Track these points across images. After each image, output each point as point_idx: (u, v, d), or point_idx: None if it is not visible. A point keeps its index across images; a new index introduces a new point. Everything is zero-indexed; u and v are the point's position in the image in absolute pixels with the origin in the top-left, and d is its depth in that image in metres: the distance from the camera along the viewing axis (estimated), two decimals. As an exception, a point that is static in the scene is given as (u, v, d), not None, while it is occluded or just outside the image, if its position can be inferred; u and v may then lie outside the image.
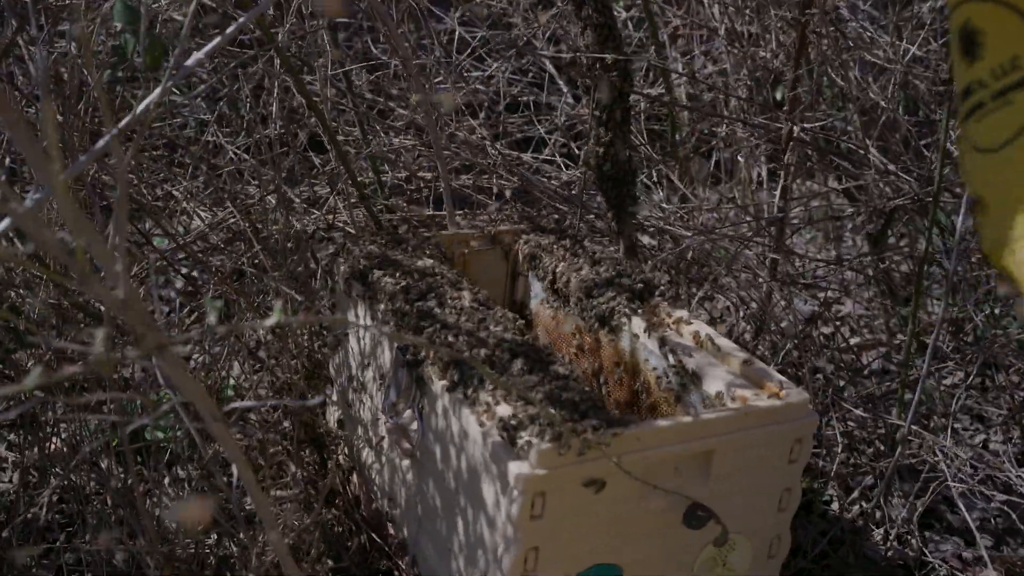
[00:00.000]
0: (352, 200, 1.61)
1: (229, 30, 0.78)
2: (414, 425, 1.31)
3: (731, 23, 2.03)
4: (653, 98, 2.06)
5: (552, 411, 1.05)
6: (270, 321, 0.70)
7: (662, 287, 1.41)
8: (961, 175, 0.95)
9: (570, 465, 1.05)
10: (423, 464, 1.30)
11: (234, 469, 1.39)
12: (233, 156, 1.75)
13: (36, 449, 1.67)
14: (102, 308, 1.47)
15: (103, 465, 1.57)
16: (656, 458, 1.10)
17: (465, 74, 2.06)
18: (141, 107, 0.78)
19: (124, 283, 0.56)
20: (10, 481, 1.79)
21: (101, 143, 0.75)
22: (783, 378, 1.21)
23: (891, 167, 1.62)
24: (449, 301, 1.32)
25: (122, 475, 1.52)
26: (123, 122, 0.77)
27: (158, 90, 0.85)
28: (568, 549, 1.10)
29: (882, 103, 1.79)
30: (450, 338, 1.23)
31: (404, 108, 2.02)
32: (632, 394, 1.39)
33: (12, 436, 1.93)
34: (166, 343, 0.59)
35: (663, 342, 1.32)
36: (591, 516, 1.09)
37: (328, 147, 1.65)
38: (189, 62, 0.83)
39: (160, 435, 1.77)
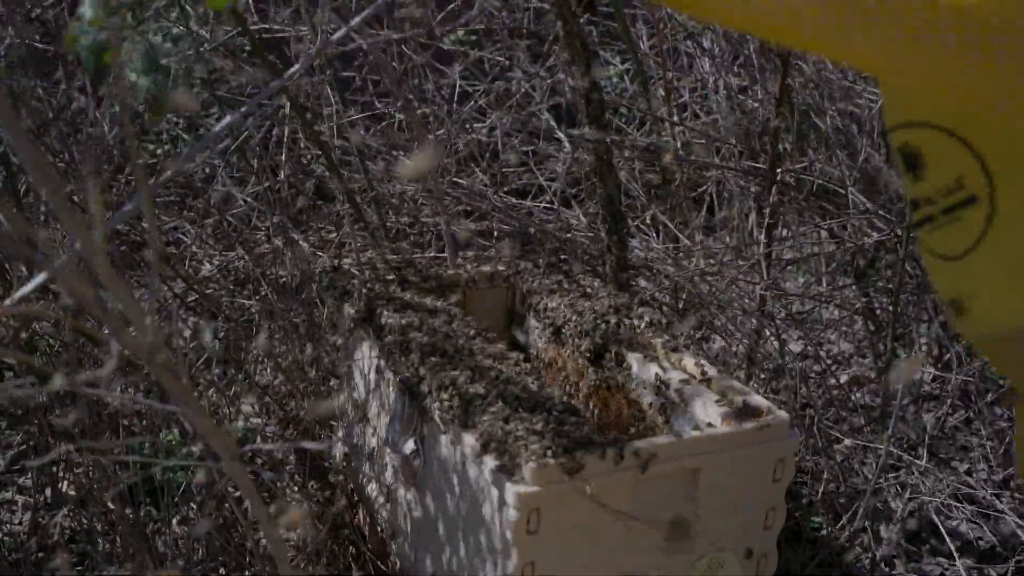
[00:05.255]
0: (359, 243, 1.69)
1: (269, 88, 0.86)
2: (417, 454, 1.38)
3: (721, 75, 2.13)
4: (645, 147, 2.15)
5: (549, 431, 1.12)
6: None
7: (653, 320, 1.48)
8: (930, 277, 0.93)
9: (564, 482, 1.11)
10: (425, 491, 1.36)
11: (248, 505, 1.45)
12: (243, 202, 1.83)
13: (49, 490, 1.73)
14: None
15: (112, 505, 1.62)
16: (646, 475, 1.16)
17: (467, 126, 2.16)
18: (173, 167, 0.86)
19: (153, 337, 0.62)
20: (20, 523, 1.84)
21: (129, 207, 0.83)
22: (767, 401, 1.27)
23: (870, 206, 1.70)
24: (452, 337, 1.39)
25: (130, 515, 1.57)
26: (152, 182, 0.85)
27: (190, 150, 0.93)
28: (564, 563, 1.16)
29: (866, 148, 1.87)
30: (451, 371, 1.30)
31: (407, 157, 2.11)
32: (624, 421, 1.45)
33: (22, 480, 1.99)
34: (190, 395, 0.66)
35: (653, 371, 1.39)
36: (585, 531, 1.15)
37: (334, 190, 1.73)
38: (222, 123, 0.91)
39: (169, 475, 1.83)
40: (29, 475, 1.98)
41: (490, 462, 1.14)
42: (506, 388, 1.24)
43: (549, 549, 1.13)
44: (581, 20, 1.41)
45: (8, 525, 1.80)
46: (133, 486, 1.61)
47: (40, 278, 0.95)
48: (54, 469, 1.67)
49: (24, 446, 1.96)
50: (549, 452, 1.11)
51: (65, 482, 1.73)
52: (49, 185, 0.52)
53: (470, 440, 1.19)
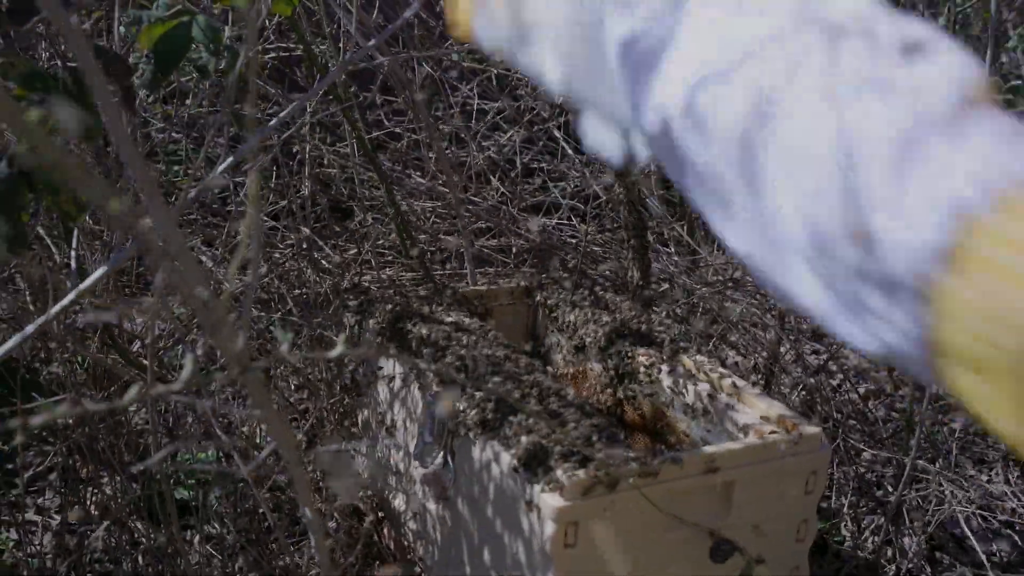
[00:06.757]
0: (382, 260, 1.70)
1: (310, 92, 0.87)
2: (447, 469, 1.38)
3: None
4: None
5: (587, 443, 1.13)
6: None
7: (676, 333, 1.50)
8: None
9: (602, 495, 1.11)
10: (455, 505, 1.37)
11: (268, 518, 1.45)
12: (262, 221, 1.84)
13: (76, 507, 1.72)
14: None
15: (132, 525, 1.62)
16: (680, 488, 1.16)
17: (482, 143, 2.18)
18: (220, 168, 0.87)
19: (242, 336, 0.63)
20: (41, 544, 1.83)
21: (194, 192, 0.84)
22: (797, 414, 1.28)
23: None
24: (480, 351, 1.40)
25: (152, 536, 1.57)
26: (217, 170, 0.86)
27: (229, 160, 0.94)
28: (601, 576, 1.16)
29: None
30: (484, 383, 1.31)
31: (421, 177, 2.12)
32: (653, 437, 1.46)
33: (40, 500, 1.99)
34: (267, 397, 0.67)
35: (682, 385, 1.40)
36: (622, 544, 1.16)
37: (355, 209, 1.74)
38: (257, 133, 0.92)
39: (187, 494, 1.83)
40: (46, 496, 1.98)
41: (526, 475, 1.15)
42: (540, 400, 1.25)
43: (587, 563, 1.14)
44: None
45: (29, 547, 1.80)
46: (159, 504, 1.61)
47: (120, 256, 0.95)
48: (80, 489, 1.67)
49: (41, 466, 1.96)
50: (587, 465, 1.11)
51: (89, 502, 1.73)
52: (143, 174, 0.53)
53: (505, 453, 1.20)
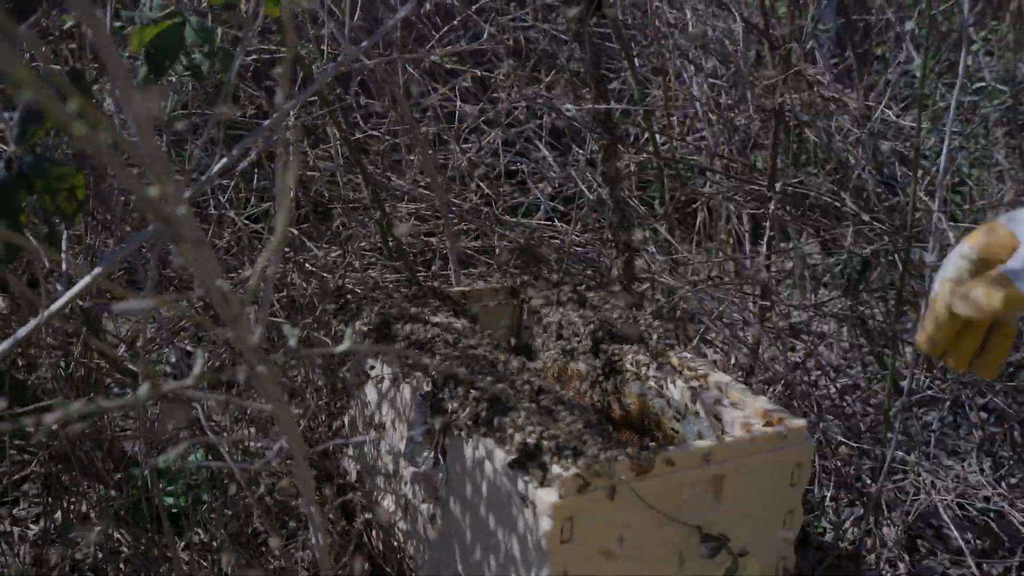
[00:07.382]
0: (364, 261, 1.71)
1: (305, 92, 0.88)
2: (438, 468, 1.39)
3: (712, 94, 2.18)
4: (642, 158, 2.20)
5: (582, 439, 1.14)
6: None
7: (662, 332, 1.52)
8: None
9: (597, 490, 1.13)
10: (448, 505, 1.38)
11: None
12: (243, 225, 1.84)
13: (59, 514, 1.71)
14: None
15: (116, 533, 1.61)
16: (672, 483, 1.19)
17: (461, 146, 2.19)
18: (216, 168, 0.88)
19: (259, 330, 0.64)
20: (18, 555, 1.81)
21: (188, 192, 0.84)
22: (781, 408, 1.31)
23: (865, 217, 1.75)
24: (470, 350, 1.42)
25: (139, 542, 1.56)
26: (212, 171, 0.86)
27: (224, 160, 0.95)
28: (596, 571, 1.18)
29: (853, 160, 1.93)
30: (476, 383, 1.32)
31: (401, 179, 2.13)
32: (641, 433, 1.48)
33: (18, 511, 1.97)
34: (279, 394, 0.68)
35: (667, 382, 1.42)
36: (617, 539, 1.17)
37: (339, 212, 1.75)
38: (245, 140, 0.93)
39: (170, 500, 1.82)
40: (22, 506, 1.96)
41: (520, 472, 1.17)
42: (533, 398, 1.27)
43: (582, 557, 1.16)
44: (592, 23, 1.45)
45: (5, 557, 1.78)
46: (146, 510, 1.61)
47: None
48: (60, 498, 1.66)
49: (17, 476, 1.94)
50: (581, 460, 1.13)
51: (69, 510, 1.71)
52: (160, 168, 0.54)
53: (499, 451, 1.22)
